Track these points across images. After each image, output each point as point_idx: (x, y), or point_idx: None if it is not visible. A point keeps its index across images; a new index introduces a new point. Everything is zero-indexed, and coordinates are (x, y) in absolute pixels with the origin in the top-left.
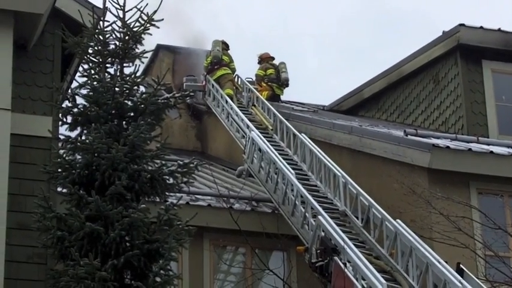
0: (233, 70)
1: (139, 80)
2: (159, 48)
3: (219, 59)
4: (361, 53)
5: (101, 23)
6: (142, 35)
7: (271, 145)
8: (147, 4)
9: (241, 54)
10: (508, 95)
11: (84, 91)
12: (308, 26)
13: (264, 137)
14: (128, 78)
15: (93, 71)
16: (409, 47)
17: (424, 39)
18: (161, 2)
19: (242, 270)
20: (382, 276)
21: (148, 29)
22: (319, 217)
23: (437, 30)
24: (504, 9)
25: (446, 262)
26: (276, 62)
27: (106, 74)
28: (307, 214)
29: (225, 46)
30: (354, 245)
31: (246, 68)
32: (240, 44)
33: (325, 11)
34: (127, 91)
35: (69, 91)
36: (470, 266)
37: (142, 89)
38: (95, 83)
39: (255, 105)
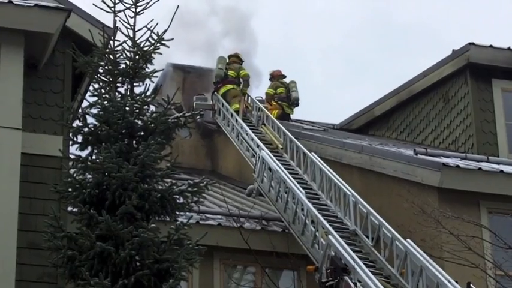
0: (244, 77)
1: (149, 99)
2: (169, 67)
3: (221, 77)
4: (367, 67)
5: (111, 42)
6: (153, 55)
7: (281, 164)
8: (157, 24)
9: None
10: None
11: (94, 110)
12: (313, 40)
13: (274, 156)
14: (138, 97)
15: (103, 91)
16: (416, 60)
17: (431, 52)
18: (171, 21)
19: None
20: None
21: (159, 48)
22: (329, 236)
23: (443, 41)
24: None
25: (456, 282)
26: (287, 80)
27: (116, 94)
28: (317, 233)
29: (237, 59)
30: (364, 264)
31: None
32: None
33: (331, 25)
34: (137, 110)
35: (80, 110)
36: (481, 286)
37: (152, 108)
38: (105, 102)
39: (264, 124)
